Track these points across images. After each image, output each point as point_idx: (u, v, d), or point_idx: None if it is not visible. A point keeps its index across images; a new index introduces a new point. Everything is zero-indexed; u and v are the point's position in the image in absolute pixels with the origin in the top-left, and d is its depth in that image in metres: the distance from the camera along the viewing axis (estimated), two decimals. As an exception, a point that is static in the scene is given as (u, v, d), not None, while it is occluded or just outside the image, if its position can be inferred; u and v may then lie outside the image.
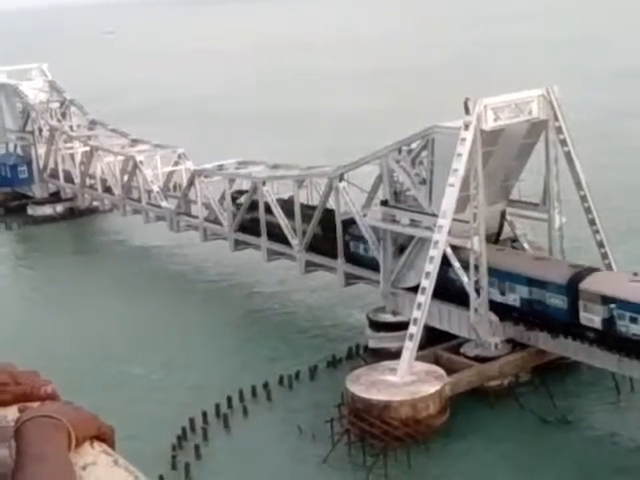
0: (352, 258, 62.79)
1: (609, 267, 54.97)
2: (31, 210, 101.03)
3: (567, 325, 49.88)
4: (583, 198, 55.27)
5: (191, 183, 79.17)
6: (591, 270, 51.20)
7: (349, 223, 62.19)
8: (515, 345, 52.94)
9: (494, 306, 52.36)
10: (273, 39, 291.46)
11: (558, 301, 50.29)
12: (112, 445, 3.24)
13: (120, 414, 36.05)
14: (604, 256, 55.71)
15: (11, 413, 3.29)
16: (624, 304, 47.47)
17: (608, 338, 48.05)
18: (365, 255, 61.73)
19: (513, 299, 52.54)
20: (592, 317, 48.81)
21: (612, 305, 47.76)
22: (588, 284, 49.24)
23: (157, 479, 41.59)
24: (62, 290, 77.30)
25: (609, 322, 48.12)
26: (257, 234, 70.68)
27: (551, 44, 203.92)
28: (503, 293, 53.03)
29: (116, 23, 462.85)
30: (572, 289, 49.53)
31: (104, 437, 3.26)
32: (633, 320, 47.22)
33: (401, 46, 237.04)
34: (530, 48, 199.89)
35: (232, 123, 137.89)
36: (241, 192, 74.46)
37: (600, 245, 55.81)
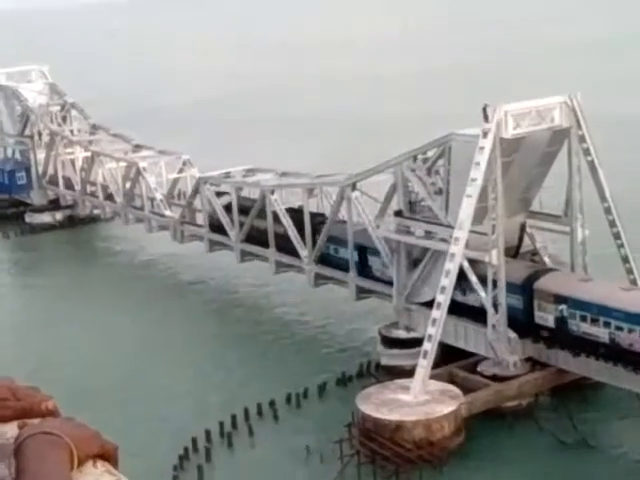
0: (322, 259, 65.87)
1: (634, 282, 54.81)
2: (29, 218, 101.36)
3: (523, 324, 52.49)
4: (607, 210, 55.14)
5: (196, 191, 79.37)
6: (547, 270, 54.41)
7: (320, 223, 65.46)
8: (534, 364, 52.87)
9: (456, 305, 53.08)
10: (283, 39, 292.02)
11: (514, 301, 52.82)
12: (115, 464, 3.26)
13: (121, 431, 36.00)
14: (629, 271, 55.59)
15: (10, 429, 3.32)
16: (575, 303, 50.57)
17: (561, 337, 51.18)
18: (335, 256, 64.51)
19: (474, 299, 53.74)
20: (546, 316, 51.92)
21: (562, 305, 51.01)
22: (542, 284, 52.23)
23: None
24: (61, 301, 77.43)
25: (561, 321, 51.18)
26: (256, 241, 71.72)
27: (576, 47, 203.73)
28: (464, 293, 54.63)
29: (119, 23, 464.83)
30: (527, 289, 52.61)
31: (107, 456, 3.29)
32: (583, 319, 50.23)
33: (422, 47, 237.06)
34: (554, 51, 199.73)
35: (242, 128, 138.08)
36: (220, 194, 76.29)
37: (625, 260, 55.65)
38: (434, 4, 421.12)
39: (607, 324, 49.45)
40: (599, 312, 49.77)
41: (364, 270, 63.05)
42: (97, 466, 3.19)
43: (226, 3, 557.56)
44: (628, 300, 49.27)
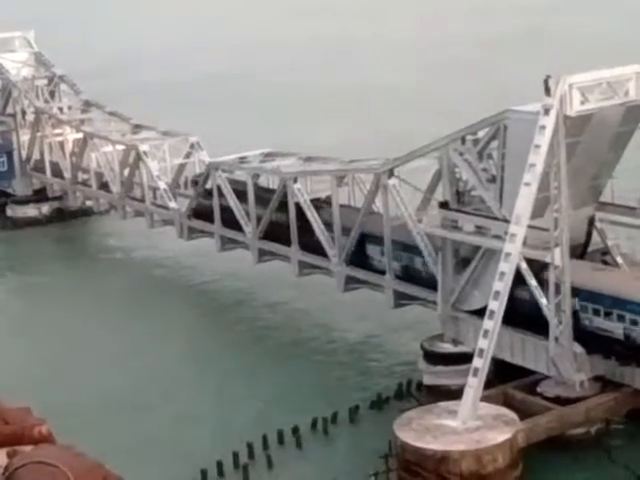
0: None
1: None
2: (11, 211, 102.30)
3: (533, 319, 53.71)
4: (693, 201, 54.97)
5: (206, 179, 79.71)
6: None
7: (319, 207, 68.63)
8: (605, 384, 52.72)
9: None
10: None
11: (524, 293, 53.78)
12: None
13: (123, 459, 36.37)
14: None
15: None
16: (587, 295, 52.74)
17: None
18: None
19: None
20: None
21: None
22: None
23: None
24: (49, 308, 78.22)
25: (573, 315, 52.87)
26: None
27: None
28: None
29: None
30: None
31: None
32: (596, 312, 52.25)
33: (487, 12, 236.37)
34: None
35: (260, 104, 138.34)
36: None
37: None
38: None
39: (621, 318, 51.04)
40: (613, 305, 51.52)
41: (360, 259, 65.95)
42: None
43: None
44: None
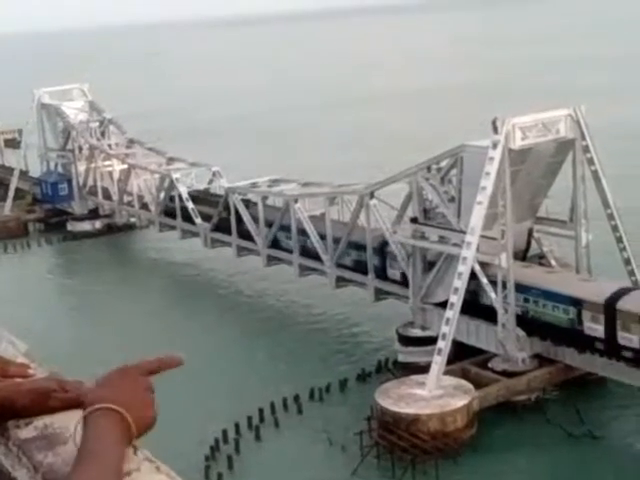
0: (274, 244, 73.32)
1: (636, 284, 54.42)
2: (71, 226, 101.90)
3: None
4: (610, 216, 54.87)
5: (225, 200, 79.44)
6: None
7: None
8: (542, 360, 52.54)
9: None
10: (311, 57, 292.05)
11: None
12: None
13: (162, 417, 36.01)
14: (631, 273, 55.23)
15: (57, 420, 3.35)
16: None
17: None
18: (285, 241, 71.39)
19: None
20: None
21: None
22: None
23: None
24: (99, 300, 77.83)
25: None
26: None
27: (577, 63, 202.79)
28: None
29: (161, 44, 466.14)
30: None
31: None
32: None
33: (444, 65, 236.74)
34: (558, 67, 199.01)
35: (273, 140, 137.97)
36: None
37: (627, 262, 55.33)
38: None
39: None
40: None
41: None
42: (137, 454, 3.19)
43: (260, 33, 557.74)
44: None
